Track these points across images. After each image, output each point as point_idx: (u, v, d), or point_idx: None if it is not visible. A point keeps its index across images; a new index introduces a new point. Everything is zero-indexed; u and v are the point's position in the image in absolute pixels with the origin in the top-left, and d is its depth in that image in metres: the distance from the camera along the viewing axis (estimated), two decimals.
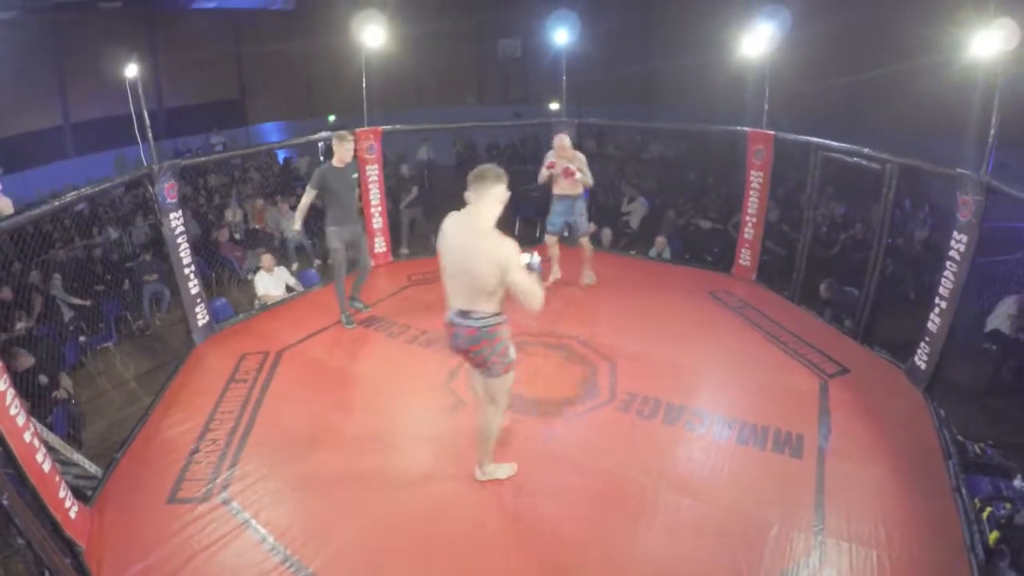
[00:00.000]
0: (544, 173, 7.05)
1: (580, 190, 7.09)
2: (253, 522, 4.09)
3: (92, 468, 4.69)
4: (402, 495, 4.33)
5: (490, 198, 3.73)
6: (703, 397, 5.42)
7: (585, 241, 7.38)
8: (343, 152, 6.24)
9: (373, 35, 7.47)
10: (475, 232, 3.73)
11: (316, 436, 4.94)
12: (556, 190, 7.14)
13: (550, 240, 7.36)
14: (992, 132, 4.99)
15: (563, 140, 6.96)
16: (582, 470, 4.58)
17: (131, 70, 6.56)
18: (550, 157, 7.03)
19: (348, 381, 5.71)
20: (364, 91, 7.87)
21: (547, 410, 5.22)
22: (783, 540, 3.93)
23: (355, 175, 6.53)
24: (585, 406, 5.30)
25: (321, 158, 7.61)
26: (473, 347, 3.89)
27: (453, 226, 3.83)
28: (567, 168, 6.85)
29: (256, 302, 7.50)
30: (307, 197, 6.28)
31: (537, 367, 5.74)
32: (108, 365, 7.10)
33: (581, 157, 7.03)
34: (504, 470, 4.43)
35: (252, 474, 4.53)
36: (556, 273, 7.55)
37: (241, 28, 17.52)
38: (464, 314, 3.83)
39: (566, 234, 7.52)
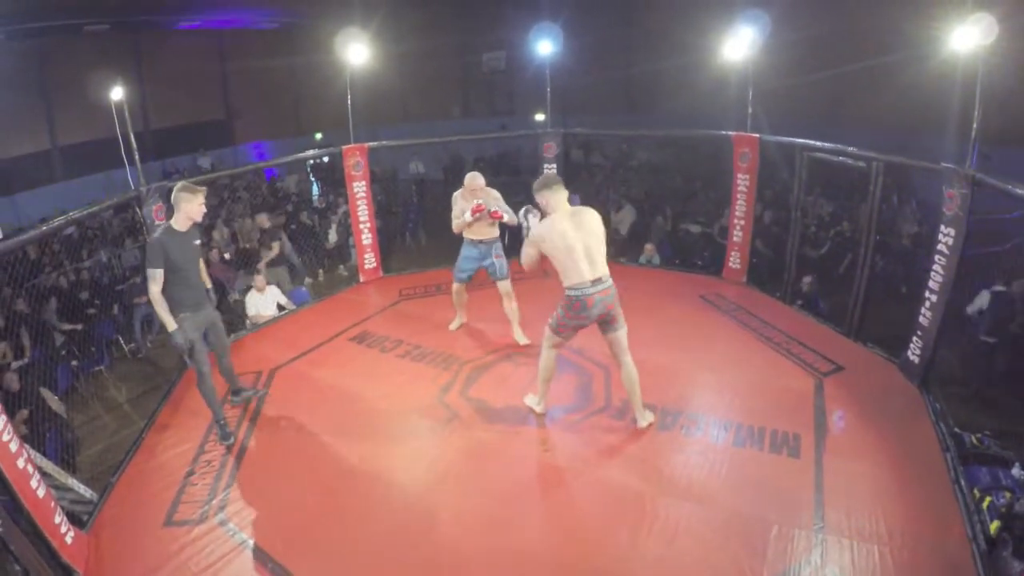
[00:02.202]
0: (468, 220, 6.15)
1: (497, 232, 6.42)
2: (250, 543, 4.06)
3: (87, 493, 4.65)
4: (400, 511, 4.31)
5: (564, 193, 4.71)
6: (698, 401, 5.43)
7: (508, 287, 6.42)
8: (191, 209, 4.74)
9: (357, 52, 7.49)
10: (575, 212, 4.66)
11: (312, 454, 4.92)
12: (469, 234, 6.32)
13: (458, 288, 6.61)
14: (975, 126, 5.04)
15: (476, 179, 6.19)
16: (580, 478, 4.57)
17: (117, 92, 6.57)
18: (461, 203, 6.23)
19: (342, 398, 5.69)
20: (349, 108, 7.89)
21: (544, 420, 5.21)
22: (785, 539, 3.93)
23: (198, 240, 4.96)
24: (581, 414, 5.29)
25: (314, 178, 7.51)
26: (612, 305, 4.64)
27: (559, 222, 4.56)
28: (494, 211, 6.14)
29: (247, 322, 7.48)
30: (157, 285, 4.59)
31: (533, 377, 5.71)
32: (101, 389, 7.06)
33: (496, 194, 6.31)
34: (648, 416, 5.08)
35: (248, 495, 4.50)
36: (461, 318, 6.95)
37: (227, 48, 17.58)
38: (598, 281, 4.55)
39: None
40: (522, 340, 6.44)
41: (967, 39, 4.91)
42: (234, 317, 7.66)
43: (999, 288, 6.60)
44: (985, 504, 4.05)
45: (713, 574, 3.75)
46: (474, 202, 6.08)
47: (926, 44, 5.55)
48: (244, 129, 18.52)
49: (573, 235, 4.51)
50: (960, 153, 5.19)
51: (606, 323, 4.74)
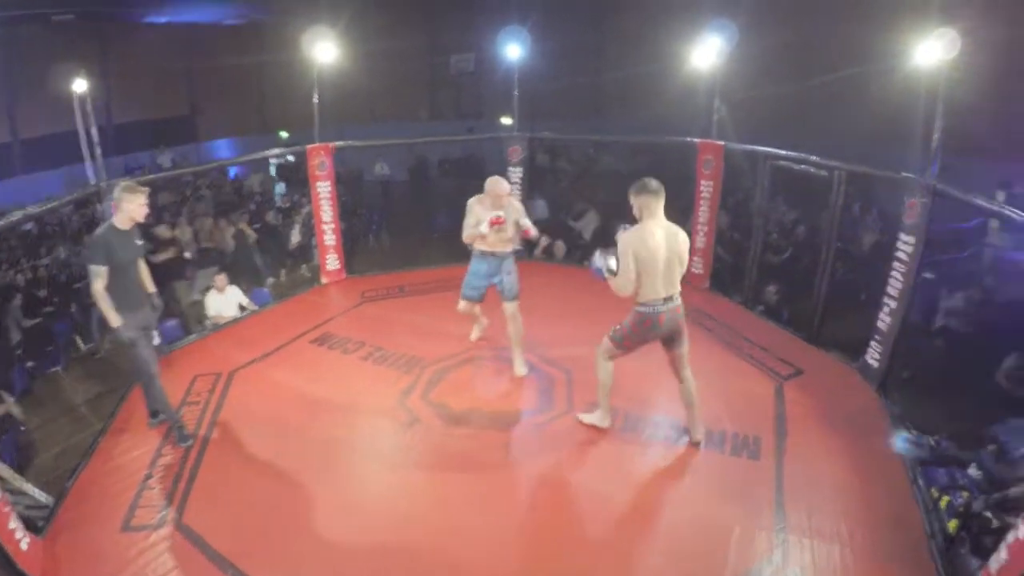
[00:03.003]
0: (483, 232, 5.44)
1: (512, 246, 5.74)
2: (210, 548, 3.96)
3: (43, 497, 4.49)
4: (361, 514, 4.27)
5: (662, 202, 4.43)
6: (660, 404, 5.44)
7: (514, 309, 5.78)
8: (133, 209, 4.61)
9: (325, 50, 7.40)
10: (669, 226, 4.45)
11: (271, 457, 4.83)
12: (480, 245, 5.63)
13: (466, 307, 5.98)
14: (936, 137, 5.16)
15: (501, 185, 5.46)
16: (543, 482, 4.58)
17: (80, 85, 6.38)
18: (477, 210, 5.51)
19: (303, 401, 5.60)
20: (316, 106, 7.80)
21: (506, 424, 5.20)
22: (747, 540, 3.97)
23: (140, 241, 4.88)
24: (544, 418, 5.29)
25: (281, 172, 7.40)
26: (681, 322, 4.62)
27: (653, 232, 4.37)
28: (527, 230, 5.59)
29: (207, 322, 7.34)
30: (101, 281, 4.52)
31: (494, 382, 5.72)
32: (57, 390, 6.86)
33: (519, 206, 5.69)
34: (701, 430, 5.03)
35: (207, 498, 4.40)
36: (481, 325, 6.51)
37: (193, 43, 17.24)
38: (670, 299, 4.48)
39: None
40: (522, 371, 5.90)
41: (930, 53, 5.03)
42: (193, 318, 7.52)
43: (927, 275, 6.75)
44: (943, 504, 4.15)
45: (678, 573, 3.77)
46: (492, 214, 5.40)
47: (891, 57, 5.67)
48: (208, 126, 18.22)
49: (663, 248, 4.35)
50: (922, 164, 5.32)
51: (671, 340, 4.68)
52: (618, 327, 4.70)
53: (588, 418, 5.13)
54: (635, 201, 4.47)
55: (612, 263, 4.44)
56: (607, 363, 4.86)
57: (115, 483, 4.58)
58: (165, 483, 4.55)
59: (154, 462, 4.79)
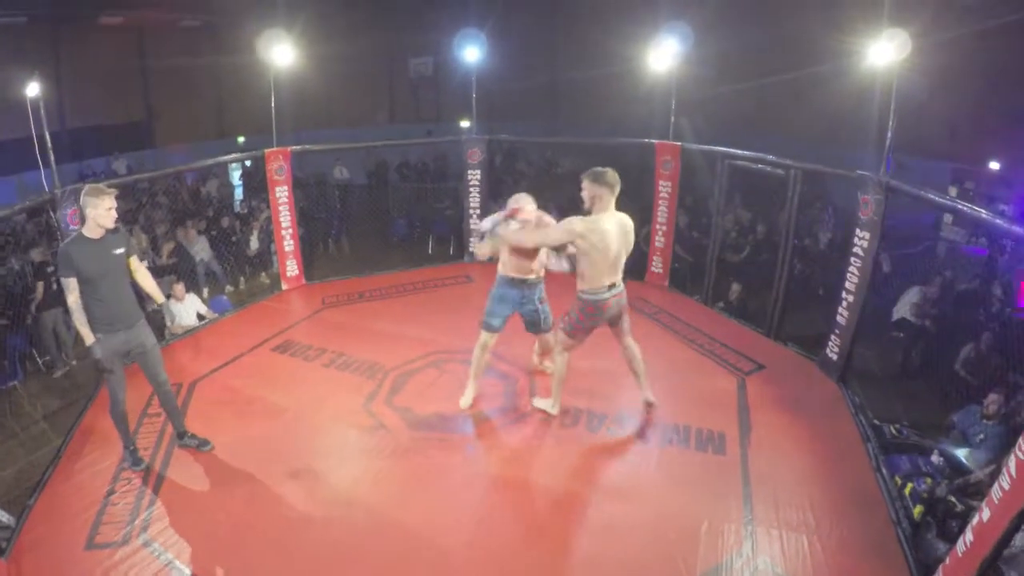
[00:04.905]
0: (501, 223, 4.88)
1: (542, 271, 5.16)
2: (176, 563, 3.85)
3: (4, 517, 4.30)
4: (327, 525, 4.18)
5: (615, 196, 4.51)
6: (624, 403, 5.46)
7: (552, 340, 5.21)
8: (99, 215, 4.13)
9: (282, 53, 7.29)
10: (620, 217, 4.57)
11: (235, 468, 4.72)
12: (509, 270, 5.05)
13: (486, 341, 5.21)
14: (889, 135, 5.30)
15: (524, 201, 4.94)
16: (509, 482, 4.56)
17: (33, 89, 6.15)
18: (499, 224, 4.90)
19: (265, 409, 5.49)
20: (273, 111, 7.67)
21: (471, 427, 5.19)
22: (716, 534, 4.02)
23: (121, 249, 4.32)
24: (507, 419, 5.28)
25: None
26: (624, 306, 4.81)
27: (605, 222, 4.46)
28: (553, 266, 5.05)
29: (166, 332, 7.17)
30: (72, 295, 4.14)
31: (457, 385, 5.68)
32: (15, 406, 6.62)
33: (550, 221, 4.95)
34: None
35: (172, 513, 4.27)
36: (473, 387, 5.43)
37: (148, 46, 16.78)
38: (613, 285, 4.64)
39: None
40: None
41: (883, 54, 5.18)
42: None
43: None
44: (907, 490, 4.25)
45: (647, 572, 3.79)
46: (511, 207, 4.86)
47: (844, 58, 5.82)
48: (165, 131, 17.77)
49: (614, 239, 4.48)
50: (876, 161, 5.46)
51: (615, 320, 4.87)
52: (566, 317, 4.83)
53: (540, 403, 5.30)
54: (588, 189, 4.49)
55: (487, 224, 4.79)
56: (563, 355, 4.98)
57: (77, 501, 4.42)
58: (128, 499, 4.41)
59: (116, 477, 4.63)
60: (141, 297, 4.66)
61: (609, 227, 4.45)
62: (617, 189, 4.47)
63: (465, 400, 5.38)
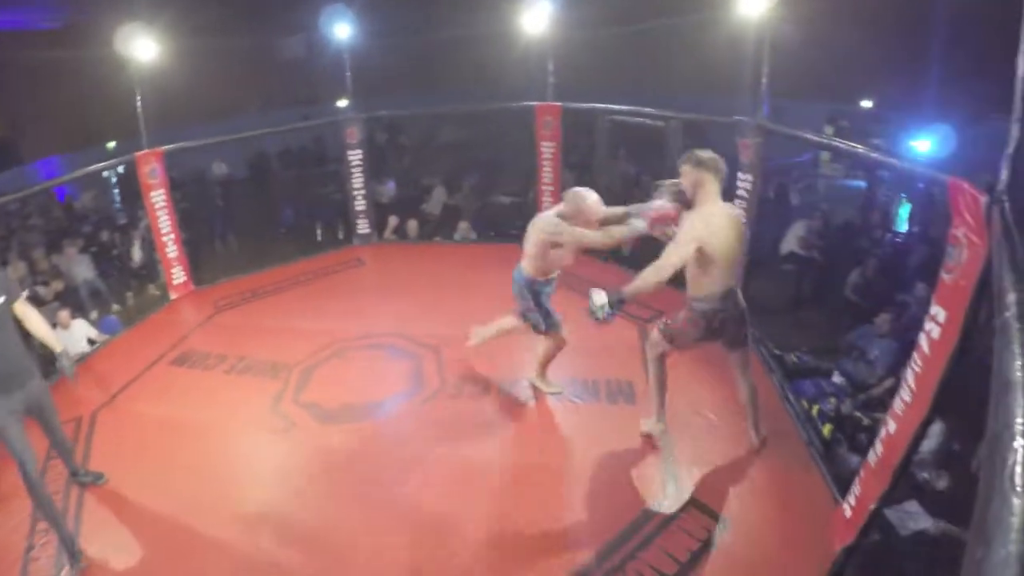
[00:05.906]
0: (642, 228, 4.30)
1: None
2: None
3: None
4: (258, 535, 4.05)
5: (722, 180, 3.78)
6: (530, 365, 5.38)
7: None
8: None
9: (145, 48, 6.83)
10: (730, 209, 3.91)
11: (153, 496, 4.46)
12: (550, 270, 4.77)
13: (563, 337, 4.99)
14: (764, 80, 5.52)
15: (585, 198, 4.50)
16: (428, 461, 4.54)
17: None
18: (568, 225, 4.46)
19: (173, 428, 5.21)
20: (140, 110, 7.20)
21: (382, 412, 5.16)
22: (639, 480, 4.16)
23: (1, 298, 3.72)
24: (418, 399, 5.27)
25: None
26: (740, 318, 3.94)
27: (718, 217, 3.73)
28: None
29: (56, 364, 6.68)
30: None
31: (363, 370, 5.62)
32: None
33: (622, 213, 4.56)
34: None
35: (98, 556, 4.00)
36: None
37: (4, 54, 15.35)
38: (733, 293, 3.87)
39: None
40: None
41: (754, 2, 5.35)
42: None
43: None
44: (815, 411, 4.52)
45: (573, 524, 3.89)
46: (659, 202, 4.09)
47: (719, 7, 5.98)
48: (31, 145, 16.38)
49: (732, 236, 3.72)
50: (753, 107, 5.67)
51: (733, 338, 4.04)
52: (668, 322, 4.13)
53: (648, 425, 4.57)
54: (689, 176, 3.76)
55: (601, 297, 3.77)
56: (657, 361, 4.32)
57: None
58: (49, 551, 4.07)
59: (33, 530, 4.26)
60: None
61: (723, 222, 3.71)
62: (723, 174, 3.76)
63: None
